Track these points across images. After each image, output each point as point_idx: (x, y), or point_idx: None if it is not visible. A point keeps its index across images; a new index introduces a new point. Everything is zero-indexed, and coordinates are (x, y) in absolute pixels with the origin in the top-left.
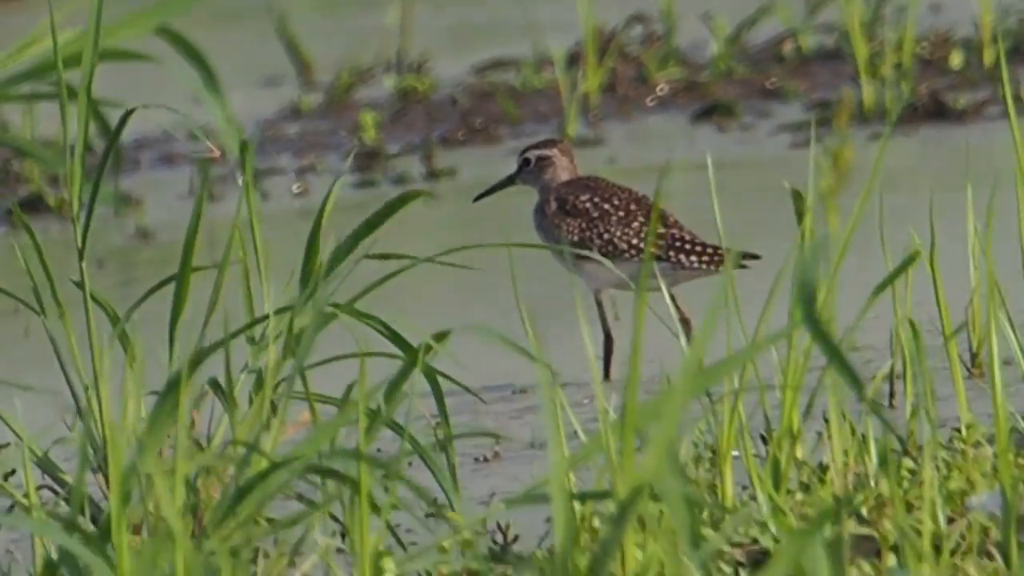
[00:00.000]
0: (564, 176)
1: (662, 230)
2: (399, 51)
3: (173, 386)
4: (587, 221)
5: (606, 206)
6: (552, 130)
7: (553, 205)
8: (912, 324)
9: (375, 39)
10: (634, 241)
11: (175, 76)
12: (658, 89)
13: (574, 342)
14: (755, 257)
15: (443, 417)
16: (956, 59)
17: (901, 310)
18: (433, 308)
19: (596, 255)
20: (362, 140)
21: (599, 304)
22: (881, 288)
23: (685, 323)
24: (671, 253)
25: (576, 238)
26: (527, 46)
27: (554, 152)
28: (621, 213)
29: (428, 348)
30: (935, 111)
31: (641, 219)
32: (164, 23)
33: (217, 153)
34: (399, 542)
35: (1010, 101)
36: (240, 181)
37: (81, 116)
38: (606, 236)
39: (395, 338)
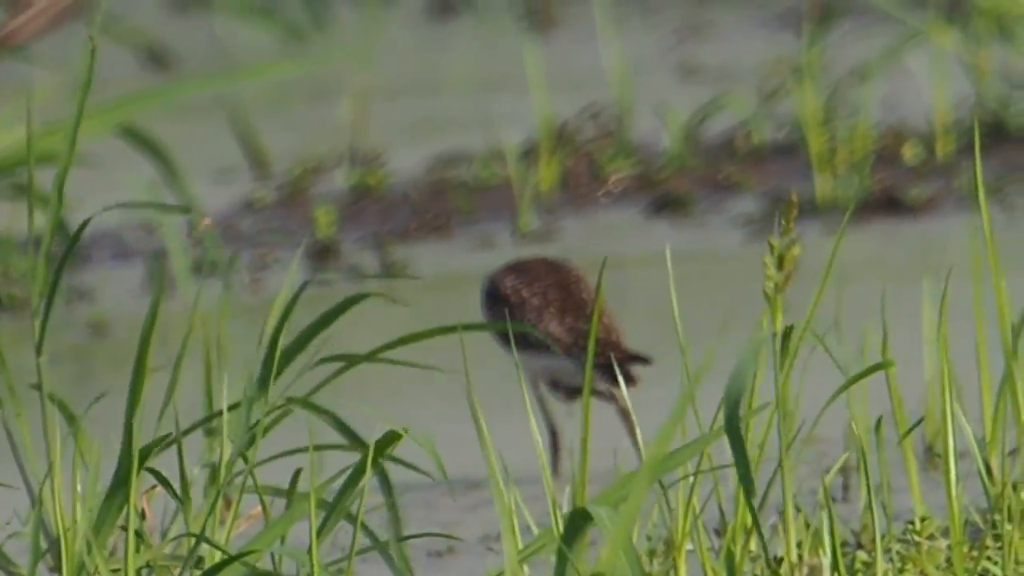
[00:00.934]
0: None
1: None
2: (352, 145)
3: (123, 478)
4: (515, 308)
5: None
6: (506, 224)
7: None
8: (871, 419)
9: (329, 132)
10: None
11: (130, 174)
12: (611, 183)
13: (528, 435)
14: (645, 362)
15: (394, 514)
16: (910, 153)
17: (856, 403)
18: (390, 400)
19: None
20: (316, 235)
21: (539, 398)
22: (840, 392)
23: (626, 416)
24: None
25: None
26: (481, 139)
27: None
28: (552, 306)
29: (383, 445)
30: (889, 204)
31: (572, 313)
32: (125, 121)
33: (208, 221)
34: None
35: (982, 191)
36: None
37: (52, 218)
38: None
39: (347, 434)
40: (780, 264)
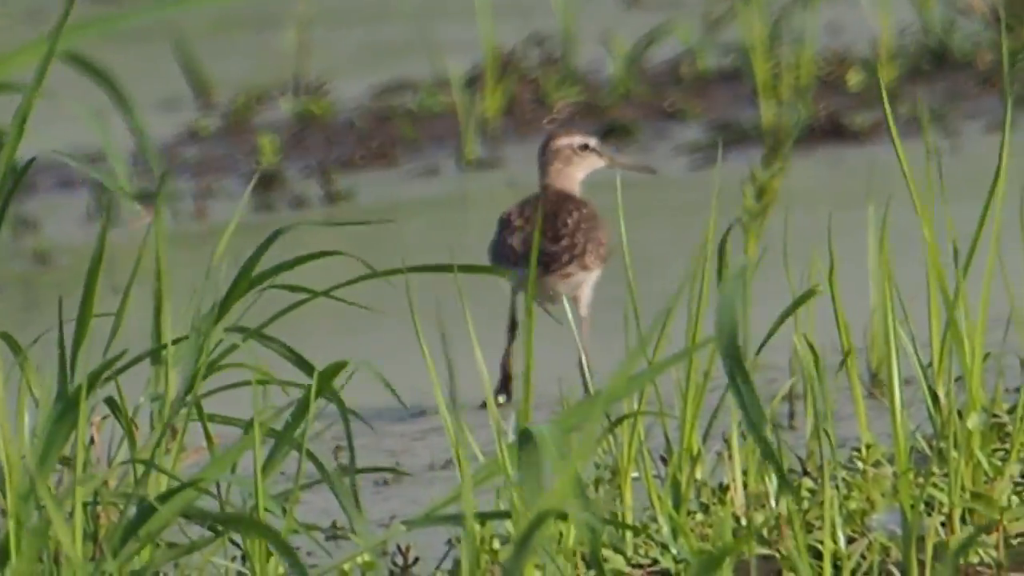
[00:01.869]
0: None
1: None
2: (296, 73)
3: (71, 403)
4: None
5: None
6: (450, 152)
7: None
8: (811, 345)
9: (274, 61)
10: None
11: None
12: (556, 110)
13: (475, 362)
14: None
15: (348, 442)
16: (854, 79)
17: (801, 330)
18: (342, 333)
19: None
20: (260, 163)
21: (511, 313)
22: (783, 318)
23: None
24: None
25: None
26: (426, 67)
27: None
28: (528, 225)
29: (330, 373)
30: (833, 131)
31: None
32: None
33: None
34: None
35: (925, 122)
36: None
37: (8, 152)
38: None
39: (299, 362)
40: (760, 194)
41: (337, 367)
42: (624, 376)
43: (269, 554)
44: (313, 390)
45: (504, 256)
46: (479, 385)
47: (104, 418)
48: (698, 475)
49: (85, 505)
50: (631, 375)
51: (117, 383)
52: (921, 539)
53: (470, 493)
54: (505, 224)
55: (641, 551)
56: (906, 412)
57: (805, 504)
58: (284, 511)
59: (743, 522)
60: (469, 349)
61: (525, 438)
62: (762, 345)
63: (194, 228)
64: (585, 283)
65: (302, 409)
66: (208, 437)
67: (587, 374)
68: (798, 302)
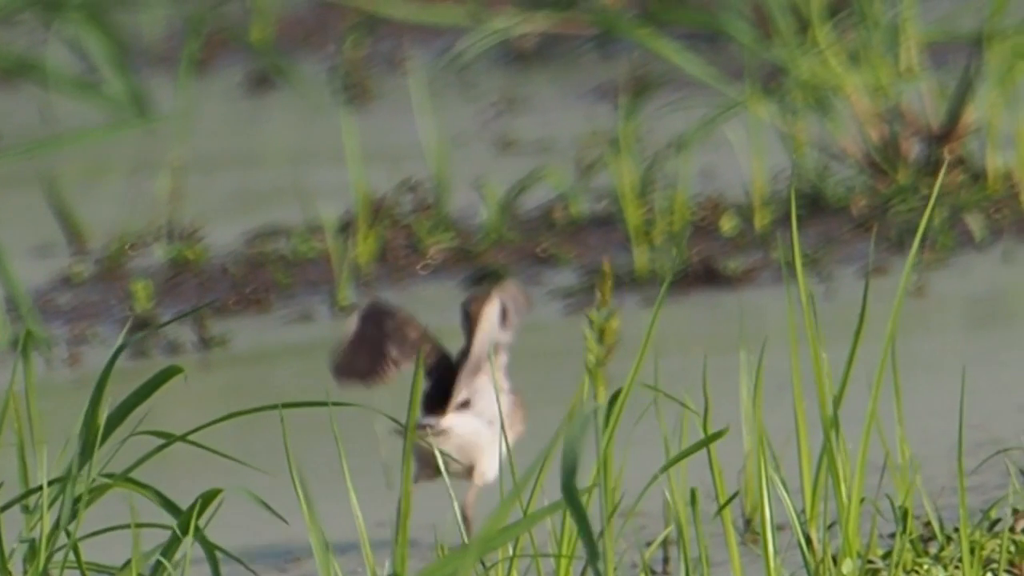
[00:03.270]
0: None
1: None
2: (170, 219)
3: None
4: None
5: None
6: (324, 297)
7: None
8: (693, 493)
9: (147, 207)
10: None
11: None
12: (430, 256)
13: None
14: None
15: None
16: (727, 224)
17: (674, 476)
18: (211, 478)
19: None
20: (134, 309)
21: None
22: (665, 468)
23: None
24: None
25: None
26: (299, 213)
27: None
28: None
29: (201, 506)
30: (707, 275)
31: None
32: None
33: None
34: None
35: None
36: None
37: None
38: None
39: (168, 506)
40: (600, 337)
41: (209, 497)
42: (496, 525)
43: None
44: (192, 523)
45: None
46: (353, 529)
47: None
48: None
49: None
50: (504, 525)
51: None
52: None
53: None
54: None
55: None
56: (780, 558)
57: None
58: None
59: None
60: (343, 493)
61: None
62: (642, 493)
63: (68, 375)
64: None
65: (171, 546)
66: None
67: (466, 518)
68: (683, 453)
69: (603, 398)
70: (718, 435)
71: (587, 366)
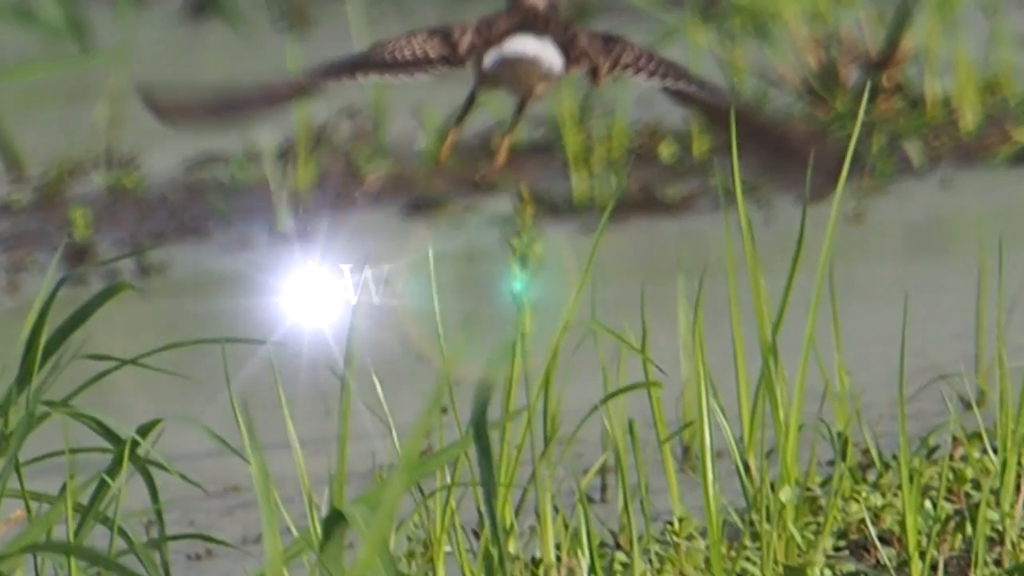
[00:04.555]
0: None
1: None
2: (108, 146)
3: None
4: None
5: None
6: (263, 225)
7: None
8: (631, 424)
9: (85, 134)
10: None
11: None
12: (368, 183)
13: (286, 436)
14: None
15: (157, 514)
16: (666, 151)
17: (612, 403)
18: (150, 406)
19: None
20: (73, 237)
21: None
22: (603, 402)
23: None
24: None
25: None
26: (238, 140)
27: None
28: None
29: (140, 436)
30: (645, 203)
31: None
32: None
33: None
34: None
35: (738, 190)
36: None
37: None
38: None
39: (107, 434)
40: (525, 263)
41: (149, 426)
42: (414, 450)
43: None
44: (125, 451)
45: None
46: (291, 459)
47: None
48: (511, 549)
49: None
50: (438, 451)
51: None
52: None
53: (279, 568)
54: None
55: None
56: (718, 485)
57: None
58: None
59: None
60: (281, 421)
61: (334, 515)
62: (581, 424)
63: (6, 303)
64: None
65: (111, 474)
66: (28, 506)
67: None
68: (623, 389)
69: (528, 323)
70: (654, 383)
71: (510, 292)
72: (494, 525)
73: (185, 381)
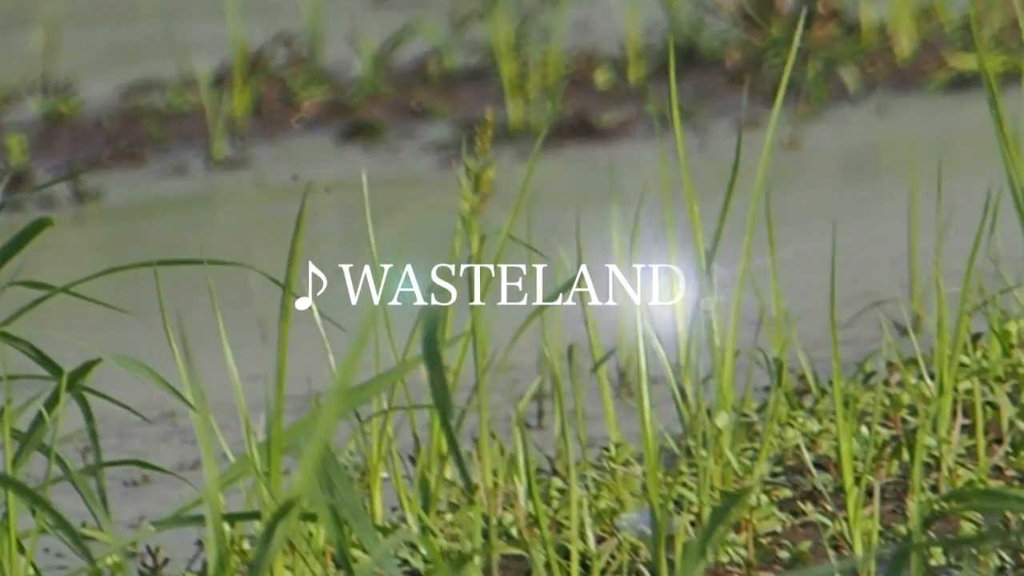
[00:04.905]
0: None
1: None
2: (44, 73)
3: None
4: None
5: None
6: (198, 151)
7: None
8: (569, 350)
9: (21, 60)
10: None
11: None
12: (304, 110)
13: (222, 363)
14: None
15: (93, 441)
16: (602, 78)
17: (548, 329)
18: (88, 332)
19: None
20: (8, 163)
21: None
22: (532, 318)
23: None
24: None
25: None
26: (174, 66)
27: None
28: None
29: (77, 373)
30: (581, 129)
31: None
32: None
33: None
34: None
35: (675, 116)
36: None
37: None
38: None
39: (44, 362)
40: (476, 186)
41: (89, 365)
42: (347, 378)
43: (21, 549)
44: (63, 384)
45: None
46: (228, 385)
47: None
48: (447, 475)
49: None
50: (376, 376)
51: None
52: (671, 538)
53: (217, 493)
54: None
55: (391, 551)
56: (655, 412)
57: (554, 504)
58: (33, 512)
59: (492, 522)
60: (218, 348)
61: (273, 442)
62: (511, 343)
63: None
64: None
65: (48, 405)
66: None
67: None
68: (548, 300)
69: (477, 248)
70: (567, 285)
71: (461, 215)
72: (454, 445)
73: (122, 307)
